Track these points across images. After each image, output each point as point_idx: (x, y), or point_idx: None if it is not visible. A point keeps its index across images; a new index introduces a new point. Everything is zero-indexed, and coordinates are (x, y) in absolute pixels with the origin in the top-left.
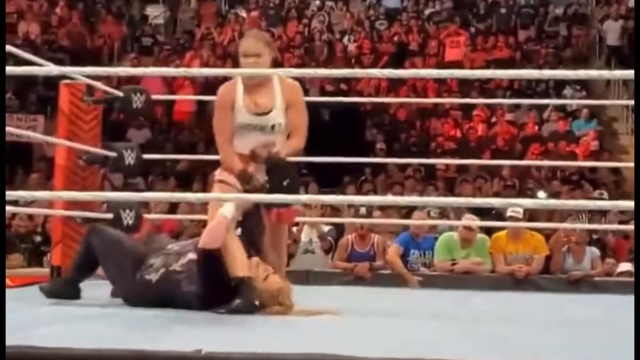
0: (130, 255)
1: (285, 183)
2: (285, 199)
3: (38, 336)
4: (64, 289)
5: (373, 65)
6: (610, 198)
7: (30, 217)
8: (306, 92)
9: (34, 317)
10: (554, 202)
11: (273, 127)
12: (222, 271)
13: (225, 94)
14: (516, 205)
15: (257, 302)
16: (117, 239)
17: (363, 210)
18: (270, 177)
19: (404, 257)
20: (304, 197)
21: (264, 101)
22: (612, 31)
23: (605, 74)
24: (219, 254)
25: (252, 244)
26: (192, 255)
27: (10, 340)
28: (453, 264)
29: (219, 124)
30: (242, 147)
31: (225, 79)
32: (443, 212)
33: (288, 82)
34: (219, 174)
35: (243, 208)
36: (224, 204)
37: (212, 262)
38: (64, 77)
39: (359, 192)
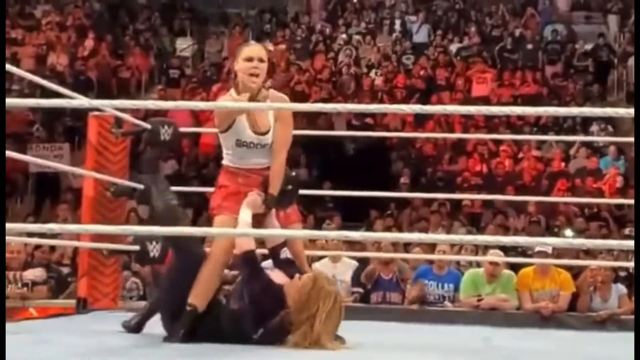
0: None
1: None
2: (314, 234)
3: None
4: None
5: (400, 99)
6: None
7: (53, 247)
8: (333, 126)
9: (69, 349)
10: (579, 241)
11: (271, 144)
12: (266, 289)
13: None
14: (543, 244)
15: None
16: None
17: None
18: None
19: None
20: (332, 234)
21: (263, 121)
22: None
23: (633, 111)
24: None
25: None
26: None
27: None
28: (479, 300)
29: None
30: (243, 163)
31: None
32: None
33: (277, 96)
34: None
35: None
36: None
37: (257, 278)
38: (92, 108)
39: (385, 226)
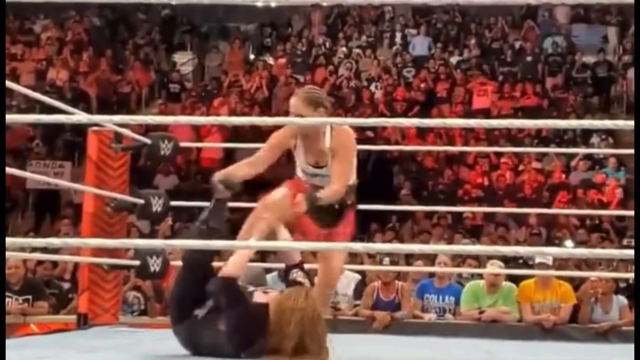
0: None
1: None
2: (318, 247)
3: None
4: None
5: (400, 112)
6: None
7: (55, 263)
8: None
9: None
10: (579, 251)
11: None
12: (245, 317)
13: (285, 137)
14: (543, 253)
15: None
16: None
17: (387, 260)
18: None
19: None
20: (337, 246)
21: (322, 159)
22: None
23: (633, 123)
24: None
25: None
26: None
27: None
28: (480, 313)
29: (261, 152)
30: (309, 182)
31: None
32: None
33: (338, 129)
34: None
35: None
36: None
37: (236, 306)
38: (92, 124)
39: (385, 239)
